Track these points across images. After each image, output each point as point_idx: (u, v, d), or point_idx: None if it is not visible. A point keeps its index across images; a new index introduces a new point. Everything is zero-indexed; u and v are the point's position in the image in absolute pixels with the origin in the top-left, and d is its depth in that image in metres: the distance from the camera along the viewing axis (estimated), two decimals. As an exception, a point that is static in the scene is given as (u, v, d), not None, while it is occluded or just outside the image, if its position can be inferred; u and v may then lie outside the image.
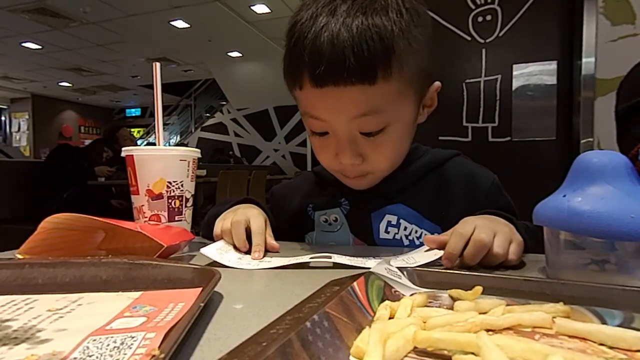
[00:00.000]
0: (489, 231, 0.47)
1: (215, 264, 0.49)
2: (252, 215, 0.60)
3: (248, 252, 0.55)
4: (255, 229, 0.57)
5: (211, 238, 0.69)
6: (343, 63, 0.50)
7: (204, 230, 0.73)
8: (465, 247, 0.47)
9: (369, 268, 0.36)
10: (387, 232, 0.67)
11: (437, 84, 0.63)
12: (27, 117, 10.68)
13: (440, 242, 0.49)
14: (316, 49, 0.51)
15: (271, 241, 0.59)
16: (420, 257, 0.49)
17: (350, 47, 0.50)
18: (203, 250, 0.51)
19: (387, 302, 0.31)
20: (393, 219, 0.67)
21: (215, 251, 0.52)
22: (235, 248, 0.56)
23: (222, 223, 0.60)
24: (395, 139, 0.58)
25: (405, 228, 0.66)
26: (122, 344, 0.24)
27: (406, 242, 0.66)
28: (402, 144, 0.62)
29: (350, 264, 0.47)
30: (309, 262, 0.50)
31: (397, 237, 0.66)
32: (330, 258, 0.49)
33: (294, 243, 0.68)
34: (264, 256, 0.54)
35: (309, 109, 0.57)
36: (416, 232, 0.66)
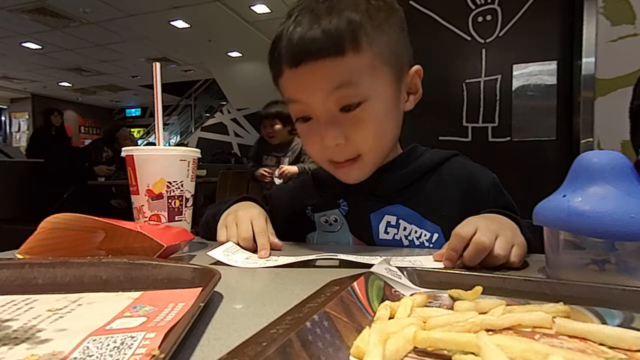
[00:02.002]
0: (490, 233, 0.47)
1: (215, 263, 0.49)
2: (255, 216, 0.60)
3: (254, 252, 0.56)
4: (257, 230, 0.58)
5: (209, 238, 0.69)
6: (314, 40, 0.55)
7: (201, 230, 0.73)
8: (466, 248, 0.47)
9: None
10: (386, 232, 0.67)
11: (417, 67, 0.65)
12: (27, 117, 10.68)
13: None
14: (291, 36, 0.56)
15: (274, 239, 0.59)
16: (427, 263, 0.49)
17: (319, 29, 0.55)
18: (209, 253, 0.51)
19: (387, 302, 0.31)
20: (392, 220, 0.67)
21: (222, 253, 0.52)
22: (242, 249, 0.56)
23: (227, 231, 0.60)
24: (375, 115, 0.59)
25: (405, 228, 0.66)
26: (122, 344, 0.24)
27: (406, 243, 0.66)
28: (384, 122, 0.62)
29: (357, 260, 0.47)
30: (316, 261, 0.50)
31: (397, 237, 0.66)
32: (337, 256, 0.49)
33: (299, 243, 0.68)
34: (270, 255, 0.54)
35: (290, 93, 0.60)
36: (416, 232, 0.66)
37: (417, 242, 0.66)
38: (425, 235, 0.65)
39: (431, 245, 0.65)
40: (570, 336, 0.26)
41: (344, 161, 0.62)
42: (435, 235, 0.65)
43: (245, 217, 0.60)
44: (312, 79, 0.57)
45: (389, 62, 0.59)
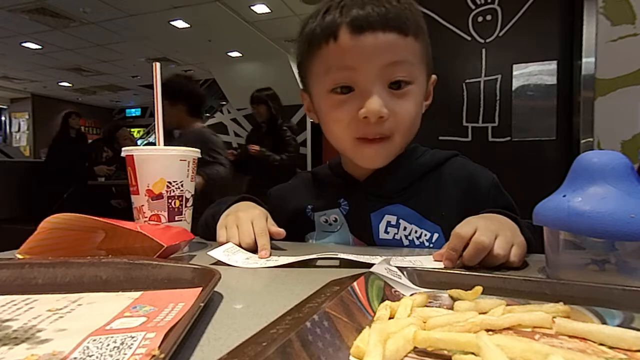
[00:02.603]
0: (490, 233, 0.47)
1: (215, 264, 0.49)
2: (255, 217, 0.60)
3: (254, 252, 0.56)
4: (258, 230, 0.58)
5: (208, 238, 0.69)
6: (383, 10, 0.58)
7: (201, 230, 0.73)
8: (466, 248, 0.47)
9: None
10: (386, 232, 0.67)
11: (434, 77, 0.68)
12: (27, 117, 10.67)
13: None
14: (355, 4, 0.59)
15: (275, 229, 0.59)
16: (427, 263, 0.49)
17: (385, 4, 0.58)
18: (210, 252, 0.51)
19: (387, 302, 0.31)
20: (392, 219, 0.67)
21: (222, 253, 0.52)
22: (242, 250, 0.56)
23: (227, 232, 0.60)
24: (415, 99, 0.62)
25: (405, 228, 0.66)
26: (122, 344, 0.24)
27: (406, 242, 0.66)
28: (418, 110, 0.64)
29: (358, 260, 0.47)
30: (316, 261, 0.50)
31: (397, 237, 0.66)
32: (337, 256, 0.49)
33: (298, 243, 0.68)
34: (270, 255, 0.54)
35: (340, 60, 0.60)
36: (416, 232, 0.66)
37: (417, 242, 0.66)
38: (425, 235, 0.65)
39: (431, 245, 0.65)
40: (570, 336, 0.26)
41: (375, 138, 0.62)
42: (436, 235, 0.65)
43: (246, 219, 0.60)
44: (373, 50, 0.58)
45: (426, 61, 0.64)
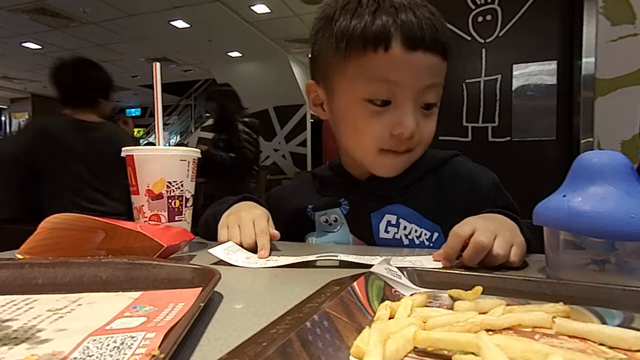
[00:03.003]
0: (489, 233, 0.47)
1: (216, 263, 0.49)
2: (257, 217, 0.60)
3: (255, 252, 0.56)
4: (258, 230, 0.58)
5: (208, 238, 0.69)
6: (434, 32, 0.58)
7: (201, 230, 0.73)
8: (465, 248, 0.47)
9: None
10: (386, 231, 0.67)
11: None
12: (27, 117, 10.67)
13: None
14: (411, 14, 0.57)
15: (272, 230, 0.59)
16: (427, 263, 0.49)
17: (433, 22, 0.58)
18: (210, 250, 0.51)
19: (387, 302, 0.31)
20: (392, 219, 0.67)
21: (223, 251, 0.52)
22: (243, 249, 0.56)
23: (229, 232, 0.60)
24: (436, 119, 0.65)
25: (405, 227, 0.66)
26: (122, 344, 0.24)
27: (406, 242, 0.66)
28: (434, 132, 0.66)
29: (357, 261, 0.47)
30: (316, 261, 0.50)
31: (397, 236, 0.66)
32: (337, 257, 0.49)
33: (299, 244, 0.68)
34: (270, 255, 0.54)
35: (386, 72, 0.58)
36: (416, 231, 0.66)
37: (417, 242, 0.66)
38: (425, 234, 0.65)
39: (431, 245, 0.65)
40: (570, 336, 0.26)
41: (402, 150, 0.63)
42: (435, 235, 0.65)
43: (247, 219, 0.60)
44: (421, 69, 0.58)
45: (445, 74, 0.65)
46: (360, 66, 0.59)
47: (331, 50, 0.62)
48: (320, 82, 0.67)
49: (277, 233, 0.59)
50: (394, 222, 0.67)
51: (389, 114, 0.60)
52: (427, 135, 0.64)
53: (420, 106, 0.61)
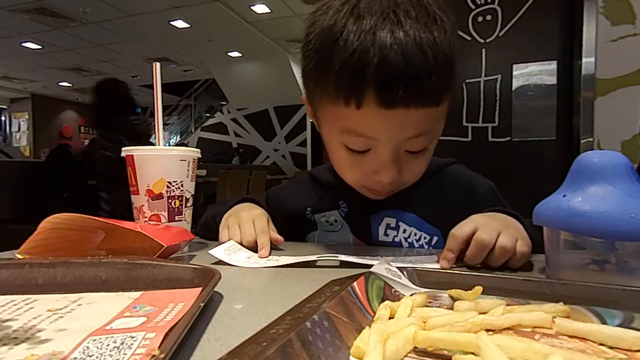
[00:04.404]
0: (491, 230, 0.47)
1: (216, 263, 0.49)
2: (256, 216, 0.60)
3: (255, 251, 0.56)
4: (258, 230, 0.58)
5: (208, 238, 0.69)
6: (419, 85, 0.47)
7: (201, 230, 0.73)
8: (467, 247, 0.47)
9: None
10: (386, 234, 0.67)
11: None
12: (27, 117, 10.68)
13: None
14: (387, 67, 0.47)
15: (275, 235, 0.59)
16: (427, 263, 0.49)
17: (425, 68, 0.47)
18: (211, 251, 0.51)
19: (387, 302, 0.31)
20: (392, 222, 0.67)
21: (223, 252, 0.52)
22: (243, 248, 0.56)
23: (229, 232, 0.60)
24: (429, 155, 0.58)
25: (405, 231, 0.66)
26: (122, 344, 0.24)
27: (405, 245, 0.66)
28: (431, 157, 0.60)
29: (358, 262, 0.47)
30: (316, 261, 0.50)
31: (397, 239, 0.66)
32: (337, 257, 0.49)
33: (299, 243, 0.68)
34: (270, 255, 0.54)
35: (359, 127, 0.52)
36: (415, 234, 0.66)
37: (416, 245, 0.66)
38: (424, 237, 0.65)
39: (431, 248, 0.65)
40: (570, 336, 0.26)
41: (385, 192, 0.60)
42: (435, 238, 0.65)
43: (247, 218, 0.60)
44: (401, 125, 0.51)
45: (451, 101, 0.56)
46: (335, 114, 0.53)
47: (314, 80, 0.56)
48: (309, 102, 0.62)
49: (280, 238, 0.59)
50: (393, 225, 0.67)
51: (368, 161, 0.55)
52: (417, 174, 0.59)
53: (403, 152, 0.55)
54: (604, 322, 0.28)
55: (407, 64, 0.47)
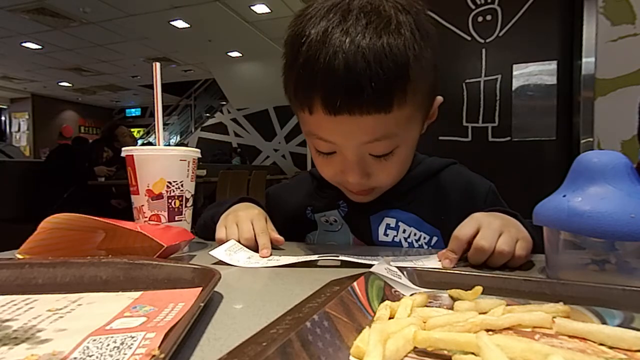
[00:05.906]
0: (492, 232, 0.47)
1: (216, 263, 0.49)
2: (255, 216, 0.60)
3: (254, 249, 0.56)
4: (258, 229, 0.58)
5: (206, 239, 0.69)
6: (360, 93, 0.47)
7: (199, 231, 0.73)
8: (468, 249, 0.48)
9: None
10: (386, 234, 0.67)
11: (440, 98, 0.61)
12: (27, 117, 10.68)
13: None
14: (331, 75, 0.48)
15: (275, 235, 0.59)
16: (427, 263, 0.49)
17: (367, 76, 0.47)
18: (211, 252, 0.51)
19: (387, 302, 0.31)
20: (392, 222, 0.67)
21: (224, 252, 0.52)
22: (244, 248, 0.56)
23: (227, 230, 0.60)
24: (402, 158, 0.58)
25: (404, 231, 0.66)
26: (122, 344, 0.24)
27: (405, 245, 0.66)
28: (407, 161, 0.62)
29: (359, 261, 0.47)
30: (317, 261, 0.50)
31: (397, 239, 0.66)
32: (338, 257, 0.49)
33: (299, 243, 0.68)
34: (271, 254, 0.54)
35: (317, 132, 0.55)
36: (415, 234, 0.66)
37: (416, 245, 0.66)
38: (424, 238, 0.66)
39: (430, 248, 0.65)
40: (570, 336, 0.26)
41: (361, 192, 0.61)
42: (435, 239, 0.66)
43: (245, 217, 0.60)
44: (350, 130, 0.51)
45: (423, 106, 0.57)
46: (300, 118, 0.57)
47: (284, 84, 0.57)
48: None
49: (281, 238, 0.59)
50: (393, 225, 0.67)
51: (336, 162, 0.57)
52: (390, 176, 0.59)
53: (367, 155, 0.55)
54: (604, 322, 0.28)
55: (348, 72, 0.47)
